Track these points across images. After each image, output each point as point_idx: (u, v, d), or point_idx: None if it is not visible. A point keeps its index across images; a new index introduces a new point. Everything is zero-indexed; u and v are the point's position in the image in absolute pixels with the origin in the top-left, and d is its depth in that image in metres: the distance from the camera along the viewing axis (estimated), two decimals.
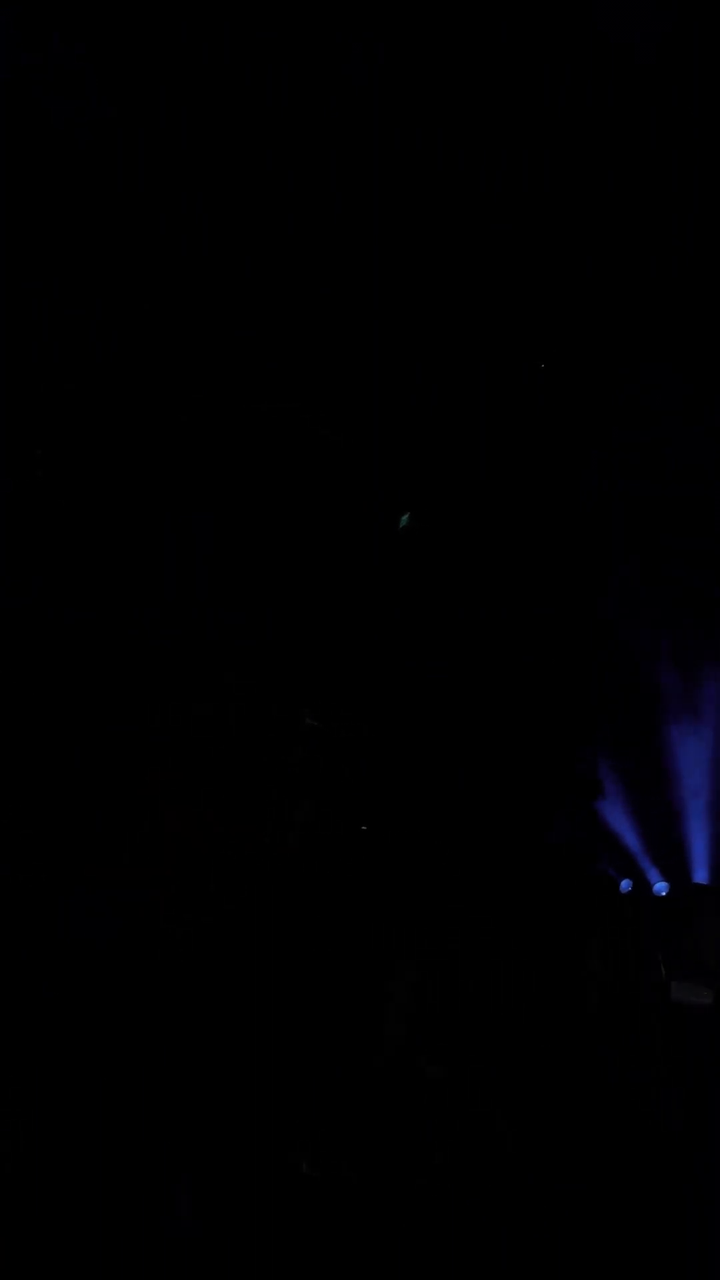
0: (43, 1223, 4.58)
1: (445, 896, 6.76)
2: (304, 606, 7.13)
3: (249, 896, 6.07)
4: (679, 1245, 4.91)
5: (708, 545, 8.41)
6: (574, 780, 8.50)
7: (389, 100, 6.52)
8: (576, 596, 8.19)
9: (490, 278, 7.23)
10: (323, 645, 7.17)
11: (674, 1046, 6.16)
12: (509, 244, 7.09)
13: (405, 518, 7.54)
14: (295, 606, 7.10)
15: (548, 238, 7.10)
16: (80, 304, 6.56)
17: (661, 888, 8.61)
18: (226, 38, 6.30)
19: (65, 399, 6.63)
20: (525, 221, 7.01)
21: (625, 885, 8.65)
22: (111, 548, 6.67)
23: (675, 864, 8.75)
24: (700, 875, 8.60)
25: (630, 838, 8.77)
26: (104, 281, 6.61)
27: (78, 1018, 5.11)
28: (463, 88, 6.55)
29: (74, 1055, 4.99)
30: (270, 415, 7.05)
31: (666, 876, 8.71)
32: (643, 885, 8.72)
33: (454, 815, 7.63)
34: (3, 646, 6.26)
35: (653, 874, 8.75)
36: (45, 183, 6.38)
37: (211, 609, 6.76)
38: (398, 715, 7.62)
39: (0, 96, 6.20)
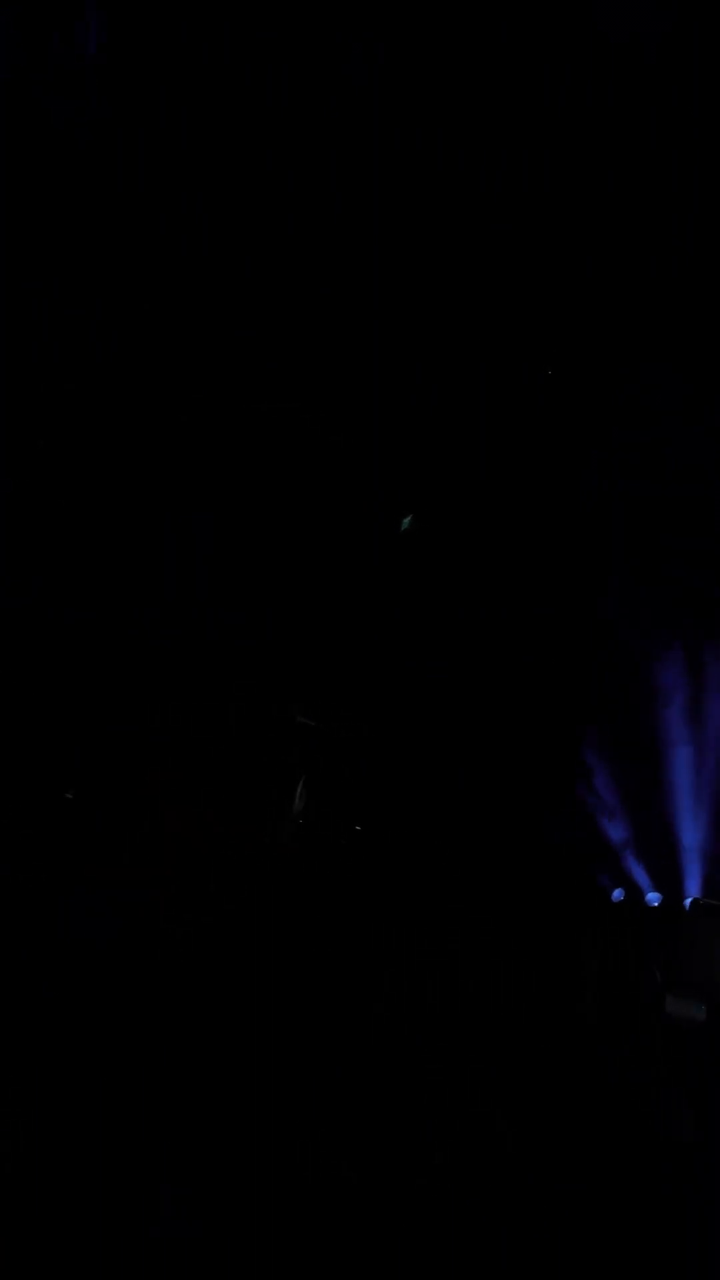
0: (41, 1222, 4.58)
1: (445, 896, 6.76)
2: (304, 606, 7.13)
3: (249, 896, 6.07)
4: (679, 1245, 4.91)
5: (708, 545, 8.40)
6: (573, 780, 8.49)
7: (389, 100, 6.52)
8: (576, 596, 8.19)
9: (490, 278, 7.23)
10: (322, 645, 7.17)
11: (673, 1047, 6.16)
12: (509, 244, 7.09)
13: (407, 520, 7.54)
14: (295, 606, 7.10)
15: (548, 238, 7.10)
16: (80, 304, 6.56)
17: (654, 898, 8.53)
18: (226, 38, 6.31)
19: (65, 399, 6.63)
20: (525, 221, 7.01)
21: (617, 894, 8.57)
22: (111, 548, 6.67)
23: (671, 871, 8.70)
24: (694, 884, 8.54)
25: (625, 844, 8.72)
26: (104, 281, 6.61)
27: (78, 1018, 5.11)
28: (463, 88, 6.55)
29: (74, 1055, 5.00)
30: (270, 415, 7.05)
31: (661, 885, 8.64)
32: (636, 894, 8.65)
33: (453, 815, 7.63)
34: (3, 646, 6.26)
35: (645, 881, 8.69)
36: (45, 183, 6.38)
37: (211, 609, 6.76)
38: (397, 715, 7.62)
39: (0, 96, 6.20)
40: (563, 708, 8.27)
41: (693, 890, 8.45)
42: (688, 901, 8.28)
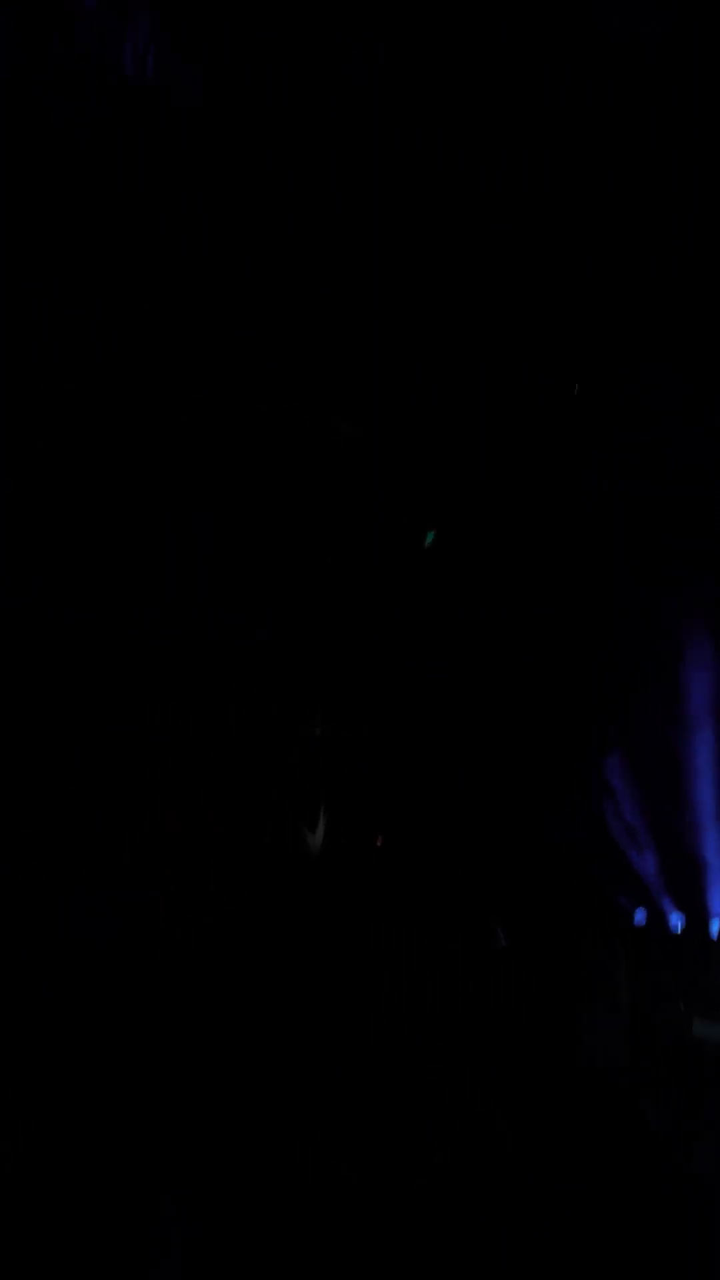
0: (41, 1222, 4.58)
1: (445, 896, 6.75)
2: (304, 606, 7.13)
3: (249, 896, 6.06)
4: (679, 1245, 4.90)
5: (708, 545, 8.39)
6: (573, 780, 8.48)
7: (389, 100, 6.53)
8: (576, 597, 8.18)
9: (490, 278, 7.23)
10: (322, 645, 7.17)
11: (695, 1072, 6.15)
12: (509, 244, 7.09)
13: (430, 535, 7.54)
14: (295, 606, 7.09)
15: (548, 238, 7.10)
16: (80, 304, 6.55)
17: (677, 921, 8.36)
18: (226, 37, 6.31)
19: (65, 399, 6.63)
20: (525, 221, 7.01)
21: (640, 917, 8.40)
22: (111, 548, 6.67)
23: (680, 881, 8.59)
24: (716, 898, 8.37)
25: (636, 857, 8.59)
26: (104, 281, 6.61)
27: (78, 1018, 5.11)
28: (463, 88, 6.56)
29: (74, 1055, 4.99)
30: (270, 415, 7.04)
31: (676, 897, 8.49)
32: (644, 909, 8.49)
33: (453, 815, 7.62)
34: (3, 646, 6.25)
35: (650, 888, 8.53)
36: (45, 183, 6.38)
37: (211, 609, 6.75)
38: (397, 715, 7.62)
39: (0, 96, 6.20)
40: (563, 707, 8.26)
41: (715, 908, 8.34)
42: (715, 925, 8.17)
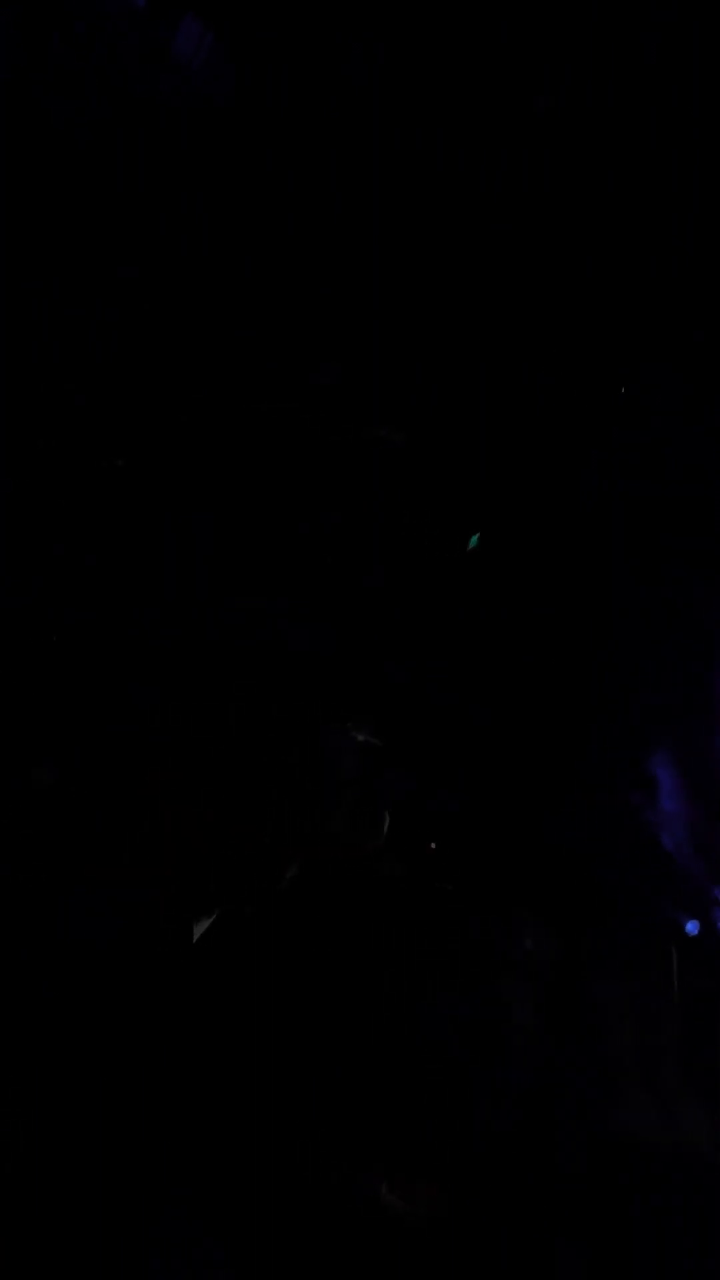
0: (40, 1222, 4.60)
1: (444, 896, 6.76)
2: (303, 606, 7.14)
3: (249, 896, 6.08)
4: (680, 1246, 4.92)
5: (708, 545, 8.40)
6: (573, 780, 8.49)
7: (389, 100, 6.54)
8: (576, 597, 8.19)
9: (490, 278, 7.24)
10: (322, 645, 7.18)
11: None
12: (509, 244, 7.10)
13: (475, 538, 7.55)
14: (295, 606, 7.10)
15: (548, 238, 7.11)
16: (80, 304, 6.56)
17: None
18: (226, 37, 6.33)
19: (65, 399, 6.64)
20: (525, 221, 7.02)
21: (691, 928, 8.24)
22: (111, 548, 6.68)
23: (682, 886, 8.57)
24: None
25: (648, 862, 8.50)
26: (104, 281, 6.62)
27: (78, 1018, 5.12)
28: (463, 88, 6.57)
29: (74, 1055, 5.01)
30: (270, 415, 7.05)
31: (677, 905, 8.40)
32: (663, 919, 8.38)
33: (452, 815, 7.63)
34: (3, 646, 6.26)
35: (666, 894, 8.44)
36: (45, 183, 6.39)
37: (211, 609, 6.76)
38: (397, 715, 7.63)
39: (0, 96, 6.21)
40: (562, 708, 8.27)
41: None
42: None
